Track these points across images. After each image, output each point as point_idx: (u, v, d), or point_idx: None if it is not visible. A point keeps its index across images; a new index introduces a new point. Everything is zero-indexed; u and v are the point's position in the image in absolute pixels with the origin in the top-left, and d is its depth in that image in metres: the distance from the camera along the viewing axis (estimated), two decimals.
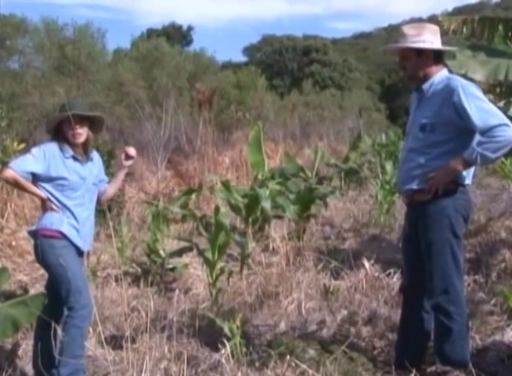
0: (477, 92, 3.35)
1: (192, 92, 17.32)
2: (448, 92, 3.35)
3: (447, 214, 3.38)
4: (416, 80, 3.56)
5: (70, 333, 3.60)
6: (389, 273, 5.28)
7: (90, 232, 4.07)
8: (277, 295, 5.27)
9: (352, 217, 8.82)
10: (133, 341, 4.19)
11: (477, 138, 3.27)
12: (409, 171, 3.50)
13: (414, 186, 3.46)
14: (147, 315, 4.21)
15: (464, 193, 3.47)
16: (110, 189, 4.31)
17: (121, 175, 4.32)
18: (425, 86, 3.50)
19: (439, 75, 3.49)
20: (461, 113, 3.29)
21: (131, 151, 4.24)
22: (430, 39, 3.47)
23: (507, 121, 3.25)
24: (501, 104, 6.58)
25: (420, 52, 3.47)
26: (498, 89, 7.00)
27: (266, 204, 7.34)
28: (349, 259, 5.87)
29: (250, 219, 7.68)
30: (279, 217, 7.88)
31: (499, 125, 3.21)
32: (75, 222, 3.91)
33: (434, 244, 3.39)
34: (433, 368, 3.52)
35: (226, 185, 7.97)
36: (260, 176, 8.72)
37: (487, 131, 3.22)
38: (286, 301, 5.08)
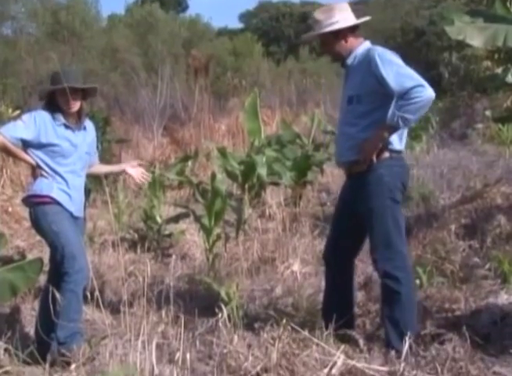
0: (393, 58, 3.40)
1: (188, 59, 17.15)
2: (368, 62, 3.40)
3: (384, 181, 3.42)
4: (340, 58, 3.62)
5: (65, 297, 3.63)
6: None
7: (82, 199, 4.06)
8: (273, 261, 5.31)
9: None
10: (130, 305, 4.23)
11: (397, 102, 3.30)
12: (344, 143, 3.56)
13: (350, 157, 3.52)
14: (144, 280, 4.24)
15: (399, 159, 3.53)
16: (97, 168, 4.28)
17: (116, 169, 4.48)
18: (349, 60, 3.56)
19: (361, 48, 3.54)
20: (380, 80, 3.33)
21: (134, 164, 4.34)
22: (342, 17, 3.53)
23: (423, 81, 3.28)
24: (499, 70, 6.54)
25: (337, 33, 3.53)
26: (496, 55, 6.95)
27: (262, 171, 7.32)
28: None
29: (246, 186, 7.66)
30: (276, 183, 7.88)
31: (415, 87, 3.25)
32: (66, 188, 3.90)
33: (375, 212, 3.44)
34: (427, 331, 3.58)
35: (222, 152, 7.93)
36: (256, 143, 8.65)
37: (404, 94, 3.26)
38: (282, 267, 5.13)
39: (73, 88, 3.84)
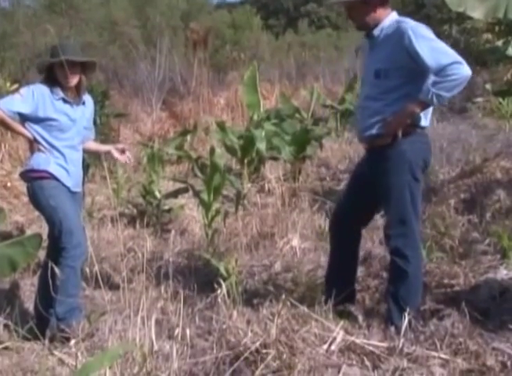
0: (428, 33, 3.30)
1: (187, 32, 16.96)
2: (399, 35, 3.29)
3: (406, 157, 3.36)
4: (366, 28, 3.51)
5: (64, 272, 3.61)
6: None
7: (80, 174, 4.02)
8: (272, 236, 5.30)
9: (348, 158, 8.77)
10: (130, 281, 4.23)
11: (432, 78, 3.22)
12: (367, 118, 3.47)
13: (373, 131, 3.44)
14: (143, 255, 4.24)
15: (423, 135, 3.46)
16: (87, 145, 4.23)
17: (102, 149, 4.45)
18: (375, 32, 3.45)
19: (388, 19, 3.44)
20: (413, 56, 3.23)
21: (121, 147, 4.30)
22: None
23: (460, 58, 3.20)
24: (499, 43, 6.45)
25: (367, 2, 3.42)
26: (497, 28, 6.86)
27: (261, 145, 7.29)
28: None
29: (245, 160, 7.64)
30: (275, 158, 7.84)
31: (452, 63, 3.17)
32: (64, 163, 3.86)
33: (394, 188, 3.39)
34: (426, 306, 3.57)
35: (221, 126, 7.89)
36: (255, 117, 8.62)
37: (440, 71, 3.17)
38: (281, 242, 5.11)
39: (72, 61, 3.79)
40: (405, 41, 3.25)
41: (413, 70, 3.30)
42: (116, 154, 4.24)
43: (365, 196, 3.57)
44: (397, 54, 3.31)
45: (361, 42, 3.74)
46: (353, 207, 3.66)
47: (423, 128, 3.44)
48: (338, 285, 3.60)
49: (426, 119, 3.44)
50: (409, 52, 3.24)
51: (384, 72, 3.38)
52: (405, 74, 3.34)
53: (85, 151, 4.26)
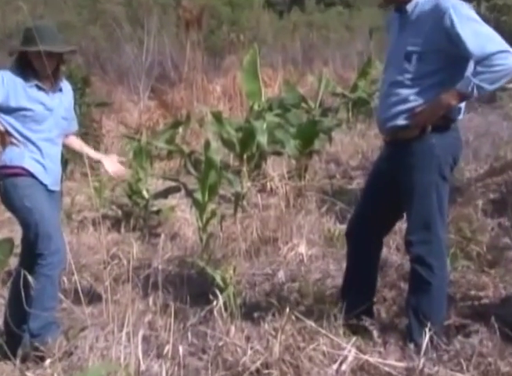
0: (472, 13, 3.24)
1: (178, 10, 16.94)
2: (438, 14, 3.23)
3: (435, 153, 3.33)
4: (398, 2, 3.45)
5: (39, 282, 3.61)
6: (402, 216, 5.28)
7: (58, 170, 4.01)
8: (275, 241, 5.30)
9: (360, 153, 8.78)
10: (113, 292, 4.20)
11: (473, 67, 3.20)
12: (393, 106, 3.42)
13: (398, 122, 3.40)
14: (129, 263, 4.22)
15: (455, 129, 3.43)
16: (72, 142, 4.21)
17: (92, 155, 4.27)
18: (409, 7, 3.39)
19: None
20: (454, 39, 3.18)
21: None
22: None
23: (507, 46, 3.15)
24: None
25: None
26: None
27: (263, 139, 7.27)
28: (357, 200, 5.85)
29: (244, 156, 7.62)
30: (278, 153, 7.83)
31: (499, 52, 3.11)
32: (40, 158, 3.85)
33: (418, 187, 3.36)
34: (450, 321, 3.57)
35: (218, 117, 7.87)
36: (256, 107, 8.61)
37: (484, 60, 3.12)
38: (285, 248, 5.12)
39: (50, 52, 3.77)
40: (445, 21, 3.19)
41: (452, 55, 3.25)
42: (108, 166, 4.17)
43: (387, 198, 3.53)
44: (434, 36, 3.25)
45: (388, 17, 3.69)
46: (373, 212, 3.63)
47: (455, 121, 3.40)
48: (355, 299, 3.59)
49: (460, 111, 3.40)
50: (449, 34, 3.19)
51: (417, 55, 3.31)
52: (441, 59, 3.28)
53: (67, 148, 4.25)
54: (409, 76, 3.36)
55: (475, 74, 3.16)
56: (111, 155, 4.44)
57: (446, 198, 3.43)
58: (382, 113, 3.54)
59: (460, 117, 3.44)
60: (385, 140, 3.68)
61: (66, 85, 4.10)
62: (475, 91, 3.17)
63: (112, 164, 4.20)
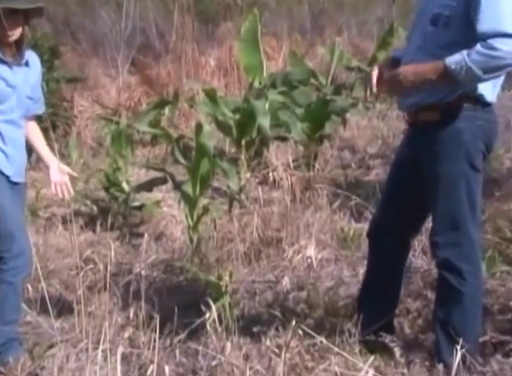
0: None
1: None
2: None
3: (463, 139, 3.32)
4: None
5: (0, 291, 3.62)
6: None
7: (23, 159, 4.01)
8: (279, 242, 5.31)
9: (380, 138, 8.79)
10: (87, 302, 4.22)
11: (476, 45, 3.13)
12: None
13: (420, 99, 3.39)
14: (106, 268, 4.23)
15: (486, 112, 3.39)
16: (28, 130, 4.15)
17: (43, 155, 4.20)
18: None
19: None
20: (472, 3, 3.17)
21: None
22: None
23: None
24: None
25: None
26: None
27: (265, 121, 7.28)
28: (375, 195, 5.87)
29: (243, 141, 7.65)
30: (282, 138, 7.85)
31: (508, 36, 3.07)
32: (1, 144, 3.85)
33: (445, 179, 3.35)
34: (486, 338, 3.57)
35: (211, 95, 7.89)
36: (256, 84, 8.64)
37: (488, 38, 3.09)
38: (291, 250, 5.12)
39: (12, 9, 3.75)
40: None
41: None
42: (53, 175, 4.11)
43: (413, 190, 3.53)
44: None
45: None
46: (398, 208, 3.63)
47: (486, 103, 3.37)
48: (374, 311, 3.60)
49: (493, 92, 3.38)
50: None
51: (444, 19, 3.30)
52: (470, 27, 3.22)
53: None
54: (434, 42, 3.35)
55: (470, 52, 3.11)
56: (62, 165, 4.26)
57: (479, 191, 3.42)
58: None
59: (493, 99, 3.39)
60: (407, 122, 3.69)
61: (33, 58, 4.07)
62: (463, 73, 3.13)
63: (58, 176, 4.12)
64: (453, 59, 3.16)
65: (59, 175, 4.14)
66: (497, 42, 3.07)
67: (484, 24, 3.13)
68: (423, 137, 3.43)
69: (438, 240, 3.43)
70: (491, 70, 3.14)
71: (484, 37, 3.11)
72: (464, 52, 3.13)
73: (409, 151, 3.56)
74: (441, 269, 3.44)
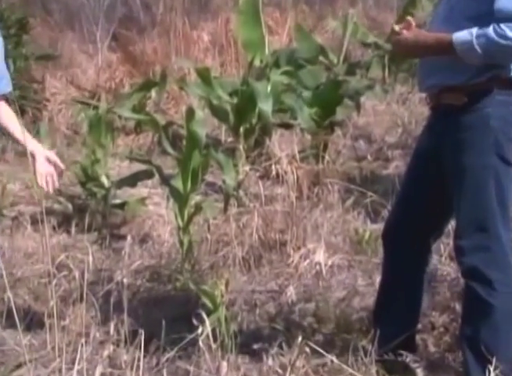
0: None
1: None
2: None
3: (491, 126, 3.31)
4: None
5: None
6: None
7: None
8: (283, 246, 5.31)
9: (401, 126, 8.79)
10: (61, 315, 4.22)
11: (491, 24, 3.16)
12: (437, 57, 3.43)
13: (443, 80, 3.39)
14: (83, 275, 4.21)
15: None
16: (3, 115, 4.13)
17: (25, 143, 4.01)
18: None
19: None
20: None
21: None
22: None
23: None
24: None
25: None
26: None
27: (266, 106, 7.28)
28: (394, 191, 5.86)
29: (241, 129, 7.65)
30: (287, 126, 7.86)
31: None
32: None
33: (470, 173, 3.34)
34: None
35: (205, 75, 7.89)
36: (257, 62, 8.63)
37: (500, 20, 3.11)
38: (296, 256, 5.13)
39: None
40: None
41: None
42: (39, 165, 4.04)
43: (435, 185, 3.53)
44: None
45: None
46: (417, 205, 3.63)
47: None
48: (392, 326, 3.60)
49: None
50: None
51: None
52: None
53: None
54: (462, 14, 3.35)
55: (479, 34, 3.15)
56: (48, 152, 4.20)
57: (510, 188, 3.41)
58: (423, 63, 3.57)
59: None
60: (428, 105, 3.69)
61: None
62: (466, 52, 3.19)
63: (43, 166, 4.05)
64: (460, 39, 3.20)
65: (47, 165, 4.08)
66: (503, 25, 3.10)
67: (501, 4, 3.15)
68: (445, 123, 3.43)
69: (463, 244, 3.41)
70: (494, 57, 3.21)
71: (498, 16, 3.13)
72: (474, 33, 3.17)
73: (430, 140, 3.56)
74: (468, 278, 3.43)
